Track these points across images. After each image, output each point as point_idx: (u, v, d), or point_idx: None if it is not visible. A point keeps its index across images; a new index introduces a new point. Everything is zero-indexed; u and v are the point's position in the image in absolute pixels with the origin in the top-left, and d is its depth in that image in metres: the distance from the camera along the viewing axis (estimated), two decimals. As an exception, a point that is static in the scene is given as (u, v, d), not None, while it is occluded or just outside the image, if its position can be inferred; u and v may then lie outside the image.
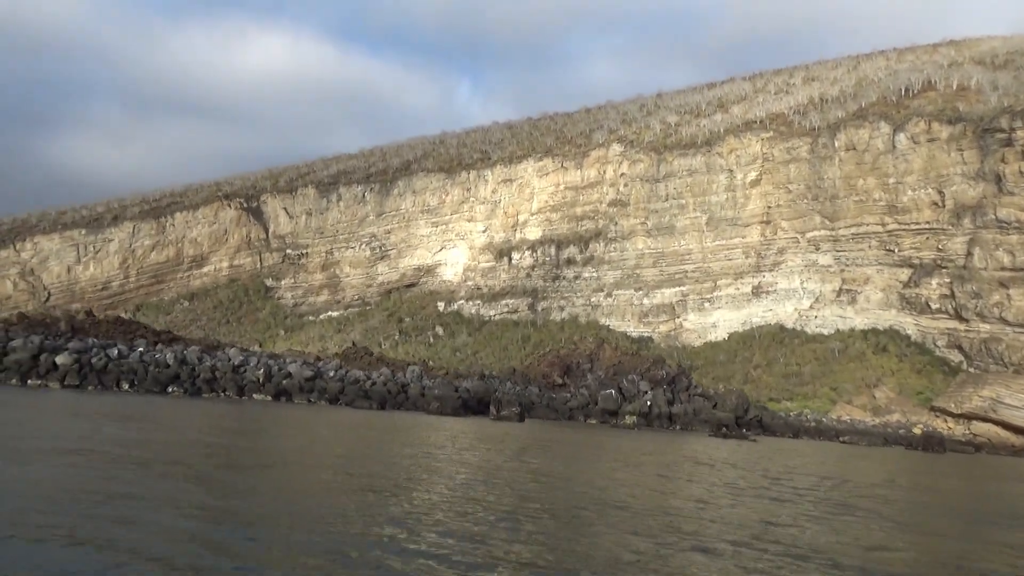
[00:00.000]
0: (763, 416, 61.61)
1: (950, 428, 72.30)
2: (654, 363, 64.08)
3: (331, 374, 52.09)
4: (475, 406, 50.44)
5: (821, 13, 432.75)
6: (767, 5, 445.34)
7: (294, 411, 40.98)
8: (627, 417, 53.44)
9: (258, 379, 48.13)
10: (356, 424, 34.91)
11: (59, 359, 43.84)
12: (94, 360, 45.11)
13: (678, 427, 55.40)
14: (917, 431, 69.08)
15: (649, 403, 55.56)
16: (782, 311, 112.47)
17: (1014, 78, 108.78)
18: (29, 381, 42.01)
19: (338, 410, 44.56)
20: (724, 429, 51.15)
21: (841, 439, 60.44)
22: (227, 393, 46.39)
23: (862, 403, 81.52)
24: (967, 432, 70.74)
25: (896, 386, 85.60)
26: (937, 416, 75.87)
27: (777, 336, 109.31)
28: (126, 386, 44.09)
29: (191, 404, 38.61)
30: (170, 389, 44.97)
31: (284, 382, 48.88)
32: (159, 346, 51.62)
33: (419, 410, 49.56)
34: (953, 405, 74.90)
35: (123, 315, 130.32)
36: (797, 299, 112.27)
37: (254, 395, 46.80)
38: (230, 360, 49.95)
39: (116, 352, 46.91)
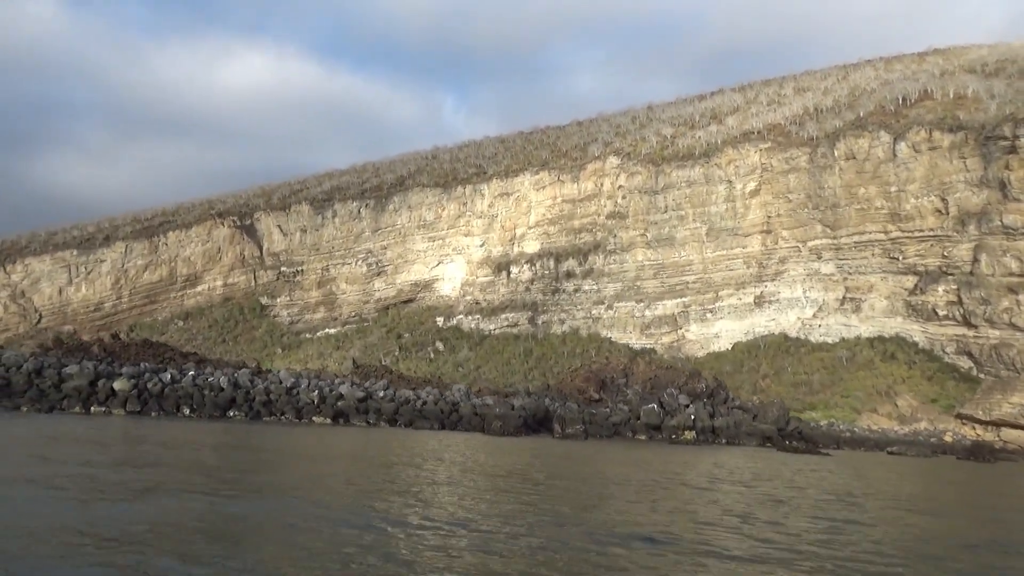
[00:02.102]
0: (802, 427, 61.90)
1: (979, 435, 72.92)
2: (690, 376, 64.15)
3: (380, 394, 51.60)
4: (532, 424, 50.20)
5: (802, 25, 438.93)
6: (748, 18, 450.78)
7: (376, 435, 40.18)
8: (686, 433, 53.43)
9: (312, 401, 47.59)
10: (461, 449, 34.05)
11: (116, 385, 43.18)
12: (150, 385, 44.42)
13: (723, 440, 55.47)
14: (948, 439, 69.73)
15: (693, 417, 55.61)
16: (785, 320, 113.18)
17: (1008, 86, 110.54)
18: (92, 408, 41.24)
19: (405, 432, 43.95)
20: (805, 444, 51.25)
21: (888, 450, 60.66)
22: (285, 416, 45.81)
23: (887, 412, 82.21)
24: (997, 439, 71.42)
25: (918, 394, 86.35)
26: (964, 423, 76.56)
27: (782, 345, 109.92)
28: (186, 411, 43.42)
29: (288, 431, 37.95)
30: (231, 413, 44.35)
31: (339, 403, 48.39)
32: (208, 369, 50.92)
33: (475, 429, 49.13)
34: (981, 412, 75.64)
35: (121, 336, 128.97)
36: (800, 308, 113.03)
37: (313, 418, 46.27)
38: (281, 382, 49.37)
39: (168, 376, 46.20)
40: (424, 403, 51.61)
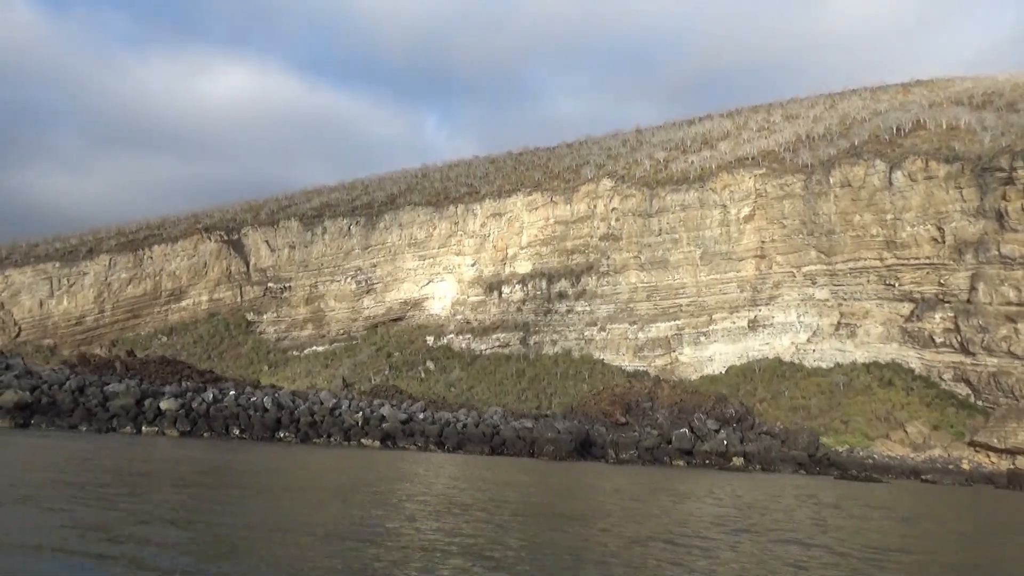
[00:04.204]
0: (830, 454, 62.25)
1: (993, 463, 73.85)
2: (717, 401, 64.25)
3: (420, 416, 50.98)
4: (577, 448, 49.79)
5: (781, 52, 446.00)
6: (727, 44, 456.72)
7: (447, 462, 39.17)
8: (734, 459, 53.39)
9: (357, 423, 46.90)
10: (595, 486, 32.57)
11: (163, 404, 42.34)
12: (195, 405, 43.59)
13: (758, 467, 55.46)
14: (966, 466, 70.53)
15: (725, 442, 55.61)
16: (779, 344, 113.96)
17: (998, 118, 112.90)
18: (143, 428, 40.33)
19: (464, 458, 43.13)
20: (840, 472, 51.33)
21: (923, 478, 60.95)
22: (333, 438, 45.08)
23: (899, 438, 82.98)
24: (1012, 467, 72.26)
25: (924, 421, 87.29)
26: (978, 451, 77.47)
27: (777, 370, 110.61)
28: (236, 431, 42.61)
29: (369, 454, 37.09)
30: (281, 435, 43.59)
31: (383, 425, 47.71)
32: (246, 388, 50.08)
33: (520, 454, 48.42)
34: (996, 440, 76.61)
35: (99, 350, 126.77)
36: (794, 332, 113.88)
37: (361, 440, 45.56)
38: (323, 403, 48.62)
39: (211, 396, 45.37)
40: (465, 426, 51.06)
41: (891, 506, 27.26)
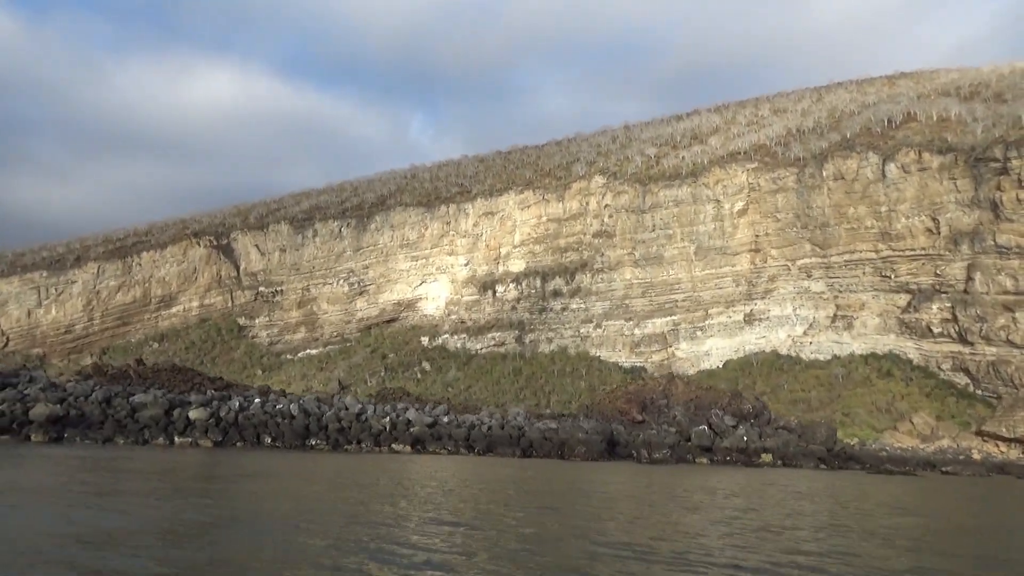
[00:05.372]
0: (847, 448, 62.55)
1: (1002, 452, 74.51)
2: (732, 397, 64.30)
3: (445, 420, 50.69)
4: (605, 448, 49.69)
5: (765, 47, 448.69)
6: (712, 39, 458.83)
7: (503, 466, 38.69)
8: (763, 455, 53.54)
9: (385, 428, 46.57)
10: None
11: (192, 414, 41.86)
12: (222, 413, 43.14)
13: (779, 462, 55.57)
14: (976, 456, 71.10)
15: (745, 438, 55.71)
16: (775, 338, 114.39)
17: (987, 109, 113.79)
18: (176, 439, 39.84)
19: (505, 462, 42.94)
20: (861, 466, 51.53)
21: (943, 470, 61.26)
22: (364, 444, 44.74)
23: (907, 429, 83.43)
24: (1021, 456, 72.88)
25: (928, 411, 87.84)
26: (987, 441, 78.15)
27: (775, 363, 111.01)
28: (268, 440, 42.19)
29: (446, 461, 36.59)
30: (313, 442, 43.20)
31: (412, 430, 47.40)
32: (272, 396, 49.63)
33: (548, 455, 48.25)
34: (1005, 429, 77.24)
35: (90, 359, 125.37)
36: (790, 326, 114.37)
37: (392, 446, 45.22)
38: (348, 408, 48.24)
39: (237, 404, 44.93)
40: (490, 428, 50.81)
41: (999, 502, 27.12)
